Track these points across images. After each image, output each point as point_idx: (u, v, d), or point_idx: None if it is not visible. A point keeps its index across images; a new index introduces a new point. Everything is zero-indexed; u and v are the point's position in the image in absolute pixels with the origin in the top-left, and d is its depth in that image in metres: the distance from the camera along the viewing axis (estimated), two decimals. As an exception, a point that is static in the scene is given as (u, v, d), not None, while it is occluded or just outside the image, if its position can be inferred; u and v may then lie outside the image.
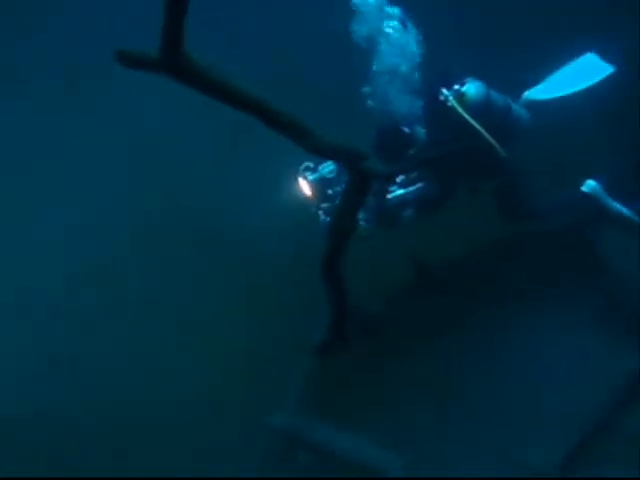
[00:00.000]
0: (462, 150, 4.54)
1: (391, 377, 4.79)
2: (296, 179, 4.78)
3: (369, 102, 4.66)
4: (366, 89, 4.63)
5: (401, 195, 4.87)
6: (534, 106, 4.89)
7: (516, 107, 4.77)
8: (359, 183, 2.78)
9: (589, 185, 4.71)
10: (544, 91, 4.91)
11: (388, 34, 4.60)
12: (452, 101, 4.50)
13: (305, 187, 4.72)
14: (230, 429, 4.81)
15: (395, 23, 4.59)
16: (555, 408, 4.00)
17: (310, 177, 4.71)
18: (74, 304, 5.96)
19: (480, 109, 4.50)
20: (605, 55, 4.84)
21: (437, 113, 4.60)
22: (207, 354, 5.51)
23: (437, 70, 4.80)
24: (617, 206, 4.64)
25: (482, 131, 4.40)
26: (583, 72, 4.90)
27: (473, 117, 4.44)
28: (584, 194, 4.70)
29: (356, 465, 4.21)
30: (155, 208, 6.28)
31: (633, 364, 3.92)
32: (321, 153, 2.55)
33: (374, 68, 4.64)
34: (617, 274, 4.36)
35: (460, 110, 4.42)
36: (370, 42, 4.59)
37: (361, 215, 4.83)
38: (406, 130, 4.60)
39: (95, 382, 5.27)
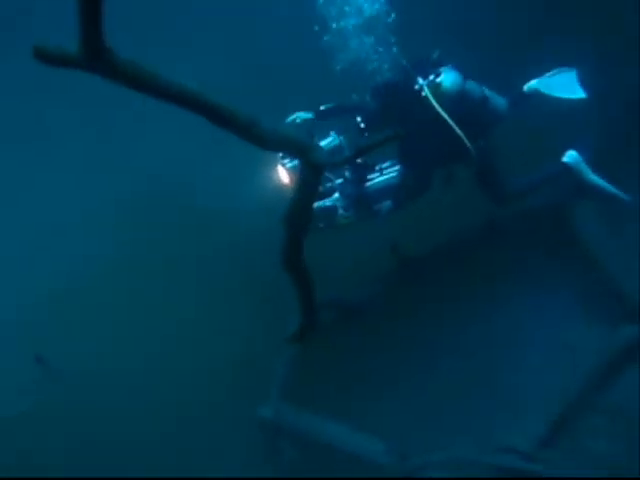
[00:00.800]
0: (434, 140, 4.55)
1: (373, 365, 4.80)
2: (275, 166, 4.77)
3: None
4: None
5: (379, 184, 4.87)
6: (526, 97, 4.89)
7: (493, 96, 4.75)
8: (310, 174, 2.75)
9: (570, 155, 4.67)
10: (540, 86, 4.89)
11: None
12: (426, 91, 4.49)
13: (283, 174, 4.71)
14: (218, 421, 4.84)
15: None
16: (536, 386, 4.01)
17: (288, 165, 4.70)
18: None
19: (454, 100, 4.50)
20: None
21: (412, 101, 4.59)
22: (194, 343, 5.54)
23: (415, 57, 4.79)
24: (596, 178, 4.62)
25: (452, 123, 4.42)
26: (566, 83, 4.90)
27: (447, 107, 4.45)
28: (565, 164, 4.67)
29: (340, 452, 4.23)
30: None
31: (612, 340, 3.89)
32: (267, 146, 2.51)
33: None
34: (595, 256, 4.32)
35: (433, 101, 4.42)
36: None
37: (340, 203, 4.83)
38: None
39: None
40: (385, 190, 4.83)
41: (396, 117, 4.65)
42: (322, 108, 5.00)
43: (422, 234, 5.26)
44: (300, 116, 5.01)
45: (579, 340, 4.12)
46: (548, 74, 4.94)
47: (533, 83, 4.91)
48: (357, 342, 4.89)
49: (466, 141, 4.50)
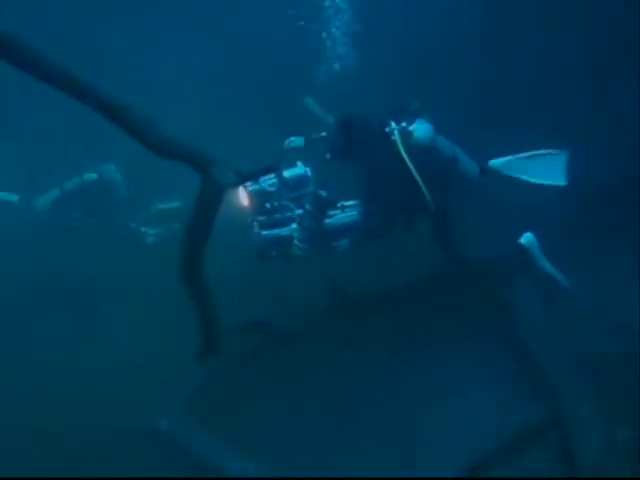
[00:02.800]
0: (396, 186, 4.58)
1: (287, 392, 4.71)
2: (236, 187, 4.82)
3: None
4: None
5: (339, 221, 4.85)
6: (489, 172, 4.91)
7: (464, 159, 4.76)
8: (210, 190, 2.75)
9: (527, 238, 4.60)
10: (506, 166, 4.90)
11: None
12: (396, 136, 4.53)
13: (244, 197, 4.74)
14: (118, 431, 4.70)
15: None
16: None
17: (250, 188, 4.73)
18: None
19: (422, 151, 4.52)
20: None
21: (379, 141, 4.62)
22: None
23: (395, 103, 4.87)
24: (547, 263, 4.56)
25: (414, 172, 4.43)
26: (545, 167, 4.90)
27: (413, 156, 4.48)
28: (521, 246, 4.59)
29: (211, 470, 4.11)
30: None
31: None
32: (159, 152, 2.52)
33: None
34: (529, 327, 4.22)
35: (400, 147, 4.46)
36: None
37: (296, 234, 4.83)
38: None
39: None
40: (344, 228, 4.82)
41: (358, 153, 4.68)
42: (314, 136, 5.13)
43: (370, 275, 5.21)
44: (294, 141, 5.16)
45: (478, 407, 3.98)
46: (529, 154, 4.90)
47: (499, 161, 4.89)
48: (279, 368, 4.82)
49: (425, 192, 4.48)
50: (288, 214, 4.83)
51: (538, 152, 4.93)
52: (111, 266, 6.16)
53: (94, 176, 6.19)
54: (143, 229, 6.49)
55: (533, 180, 4.77)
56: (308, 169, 4.77)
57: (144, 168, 6.67)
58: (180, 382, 4.64)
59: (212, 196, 2.77)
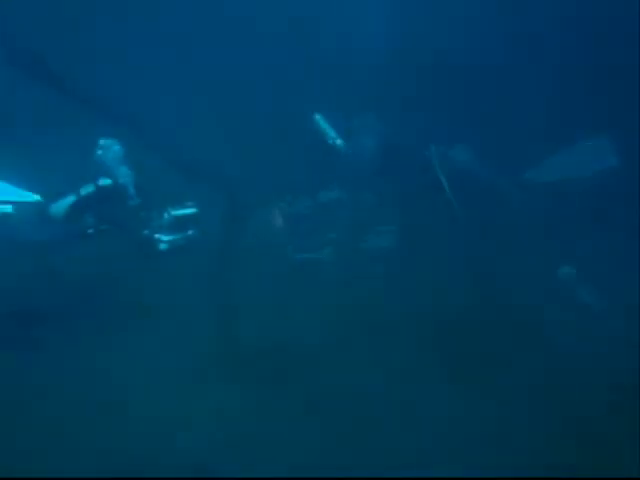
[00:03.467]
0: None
1: None
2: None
3: None
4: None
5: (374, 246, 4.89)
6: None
7: (508, 186, 4.83)
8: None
9: (565, 271, 4.70)
10: (545, 172, 4.94)
11: None
12: (434, 156, 4.59)
13: (278, 218, 4.72)
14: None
15: None
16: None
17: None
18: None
19: (457, 173, 4.58)
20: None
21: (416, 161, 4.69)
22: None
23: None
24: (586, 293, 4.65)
25: (448, 191, 4.53)
26: (586, 157, 4.92)
27: (447, 176, 4.55)
28: (560, 277, 4.69)
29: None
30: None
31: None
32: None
33: None
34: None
35: (437, 168, 4.52)
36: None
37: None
38: None
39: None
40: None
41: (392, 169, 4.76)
42: None
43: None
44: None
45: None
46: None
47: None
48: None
49: (456, 209, 4.57)
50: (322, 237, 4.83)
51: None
52: (127, 274, 6.08)
53: (109, 182, 6.03)
54: (157, 236, 6.36)
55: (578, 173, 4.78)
56: (343, 191, 4.76)
57: (155, 174, 6.63)
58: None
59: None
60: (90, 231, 5.98)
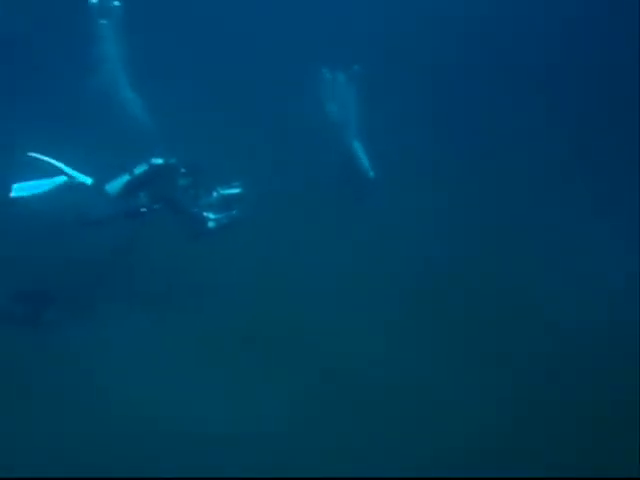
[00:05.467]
0: None
1: None
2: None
3: None
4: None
5: None
6: None
7: None
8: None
9: None
10: None
11: None
12: None
13: None
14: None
15: None
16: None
17: None
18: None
19: None
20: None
21: None
22: None
23: None
24: None
25: None
26: None
27: None
28: None
29: None
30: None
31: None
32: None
33: None
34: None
35: None
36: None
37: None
38: None
39: None
40: None
41: None
42: None
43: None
44: None
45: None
46: None
47: None
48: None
49: None
50: None
51: None
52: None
53: (161, 161, 6.14)
54: (205, 214, 6.48)
55: None
56: None
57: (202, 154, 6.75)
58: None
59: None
60: (143, 210, 6.10)
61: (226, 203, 6.68)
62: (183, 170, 6.30)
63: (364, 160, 7.42)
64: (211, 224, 6.56)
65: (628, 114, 8.58)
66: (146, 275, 6.51)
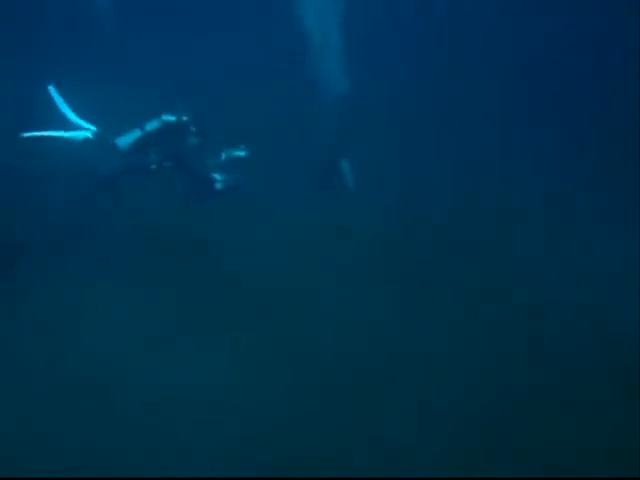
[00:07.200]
0: None
1: None
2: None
3: None
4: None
5: None
6: None
7: None
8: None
9: None
10: None
11: None
12: None
13: None
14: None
15: None
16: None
17: None
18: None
19: None
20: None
21: None
22: None
23: None
24: None
25: None
26: None
27: None
28: None
29: None
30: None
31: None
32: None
33: None
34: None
35: None
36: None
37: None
38: None
39: None
40: None
41: None
42: None
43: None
44: None
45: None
46: None
47: None
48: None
49: None
50: None
51: None
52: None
53: (173, 118, 6.11)
54: (212, 175, 6.50)
55: None
56: None
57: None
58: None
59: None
60: (153, 167, 6.10)
61: (232, 165, 6.70)
62: (193, 129, 6.26)
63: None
64: (218, 185, 6.58)
65: (628, 114, 8.70)
66: (130, 231, 6.48)
